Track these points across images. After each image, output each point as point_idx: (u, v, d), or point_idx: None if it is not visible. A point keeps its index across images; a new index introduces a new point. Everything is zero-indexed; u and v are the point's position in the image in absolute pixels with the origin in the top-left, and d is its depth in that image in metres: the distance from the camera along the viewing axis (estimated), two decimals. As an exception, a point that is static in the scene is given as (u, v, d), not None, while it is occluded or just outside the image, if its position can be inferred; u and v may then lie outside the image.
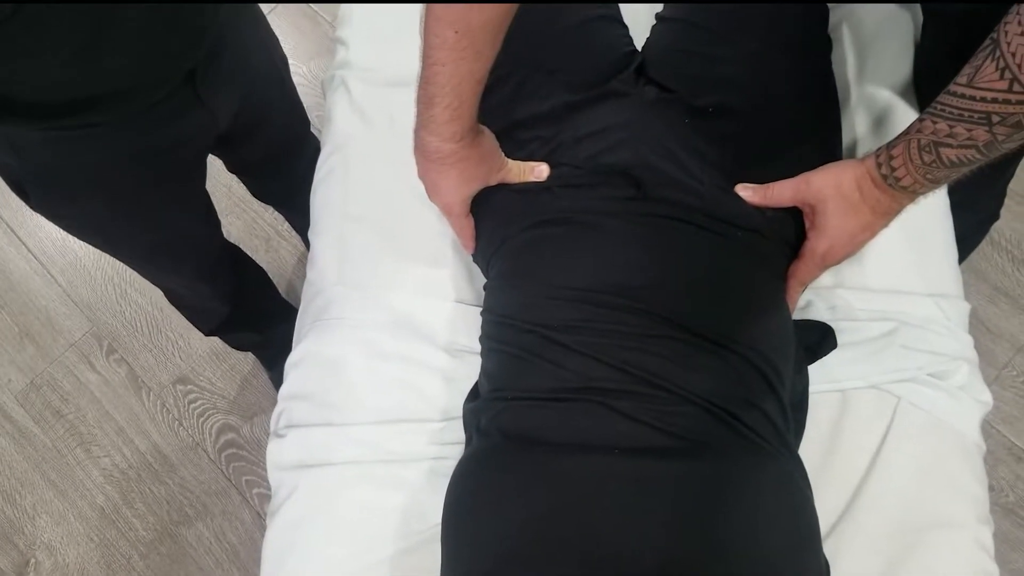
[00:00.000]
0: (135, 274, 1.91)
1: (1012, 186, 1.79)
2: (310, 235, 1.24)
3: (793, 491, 0.89)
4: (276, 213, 1.98)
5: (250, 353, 1.85)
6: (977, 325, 1.73)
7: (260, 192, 1.55)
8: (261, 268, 1.61)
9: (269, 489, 1.13)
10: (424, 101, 0.89)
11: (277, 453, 1.11)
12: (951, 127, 0.81)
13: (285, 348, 1.21)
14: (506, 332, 0.97)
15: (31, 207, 1.07)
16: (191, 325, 1.87)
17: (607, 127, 1.01)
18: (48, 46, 0.81)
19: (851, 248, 0.96)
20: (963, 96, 0.79)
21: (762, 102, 1.00)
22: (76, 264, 2.00)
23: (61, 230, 1.90)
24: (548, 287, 0.96)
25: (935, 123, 0.83)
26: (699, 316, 0.92)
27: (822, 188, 0.93)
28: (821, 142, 1.02)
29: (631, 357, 0.89)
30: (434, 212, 1.17)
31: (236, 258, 1.52)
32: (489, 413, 0.95)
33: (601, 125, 1.01)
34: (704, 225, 0.95)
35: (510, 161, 1.02)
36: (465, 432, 1.02)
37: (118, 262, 1.87)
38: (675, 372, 0.89)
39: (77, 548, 1.75)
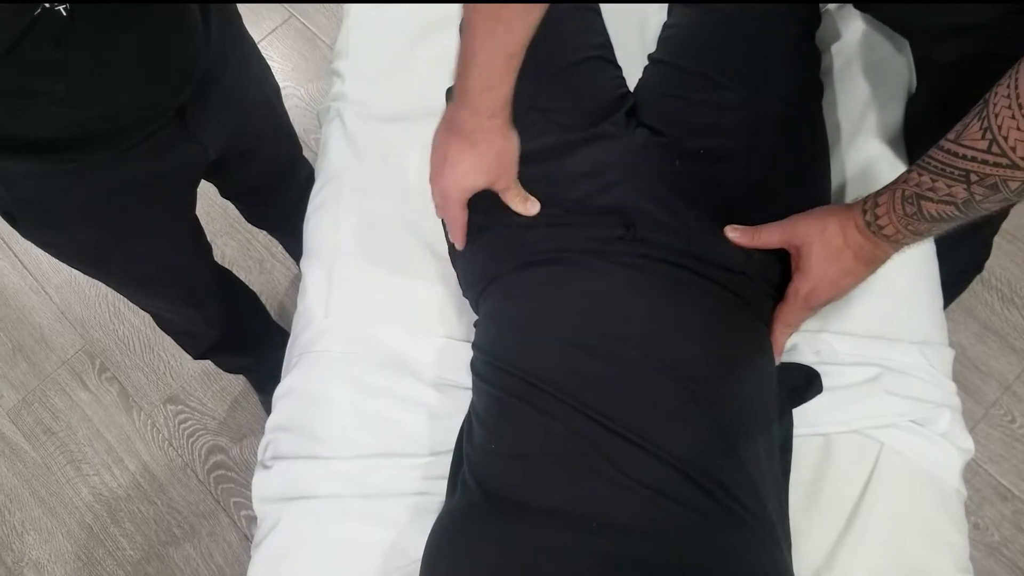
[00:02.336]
0: (129, 293, 1.93)
1: (1004, 226, 1.81)
2: (302, 265, 1.25)
3: (772, 568, 0.89)
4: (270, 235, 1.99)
5: (241, 375, 1.85)
6: (966, 363, 1.74)
7: (253, 217, 1.56)
8: (252, 292, 1.62)
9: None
10: (460, 73, 0.90)
11: (262, 485, 1.12)
12: (933, 181, 0.82)
13: (276, 372, 1.22)
14: (495, 375, 0.97)
15: (21, 234, 1.08)
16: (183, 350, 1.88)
17: (598, 168, 1.02)
18: (42, 86, 0.82)
19: (834, 292, 0.96)
20: (948, 151, 0.80)
21: (752, 147, 1.01)
22: (71, 282, 2.01)
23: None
24: (536, 332, 0.96)
25: (920, 175, 0.83)
26: (685, 362, 0.92)
27: (807, 231, 0.94)
28: (809, 187, 1.03)
29: (620, 414, 0.89)
30: (425, 246, 1.18)
31: (226, 283, 1.53)
32: (474, 464, 0.95)
33: (592, 166, 1.02)
34: (691, 267, 0.95)
35: (515, 180, 1.02)
36: (449, 479, 1.03)
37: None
38: (661, 430, 0.88)
39: (65, 566, 1.75)
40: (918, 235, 0.88)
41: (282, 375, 1.18)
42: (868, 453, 1.04)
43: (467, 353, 1.08)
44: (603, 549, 0.85)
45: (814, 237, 0.94)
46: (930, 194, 0.83)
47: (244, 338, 1.59)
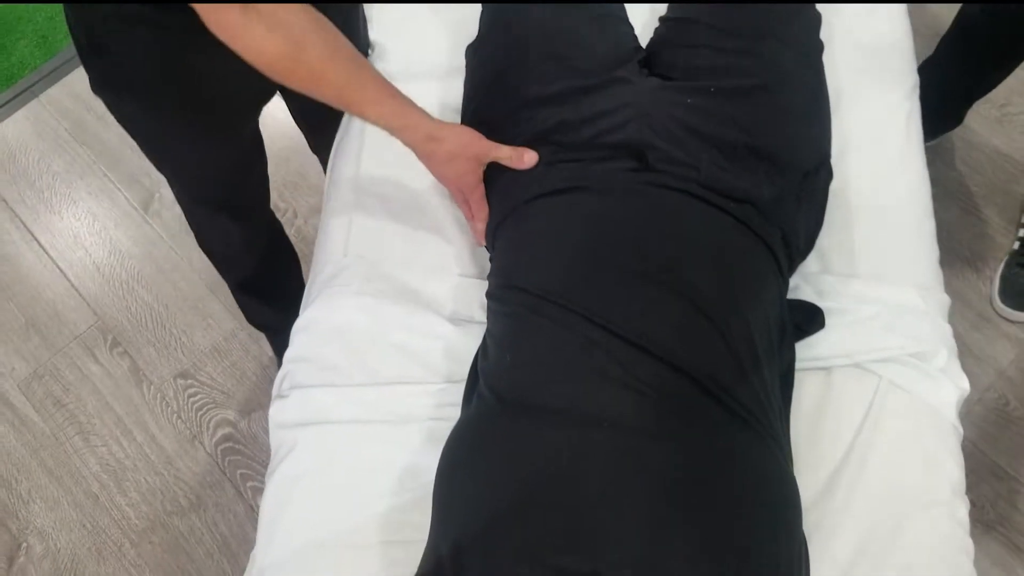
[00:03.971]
0: (142, 271, 1.98)
1: (995, 218, 1.87)
2: (323, 211, 1.30)
3: (775, 469, 0.93)
4: (284, 217, 2.04)
5: (251, 350, 1.89)
6: (962, 349, 1.76)
7: (316, 144, 1.61)
8: (294, 250, 1.68)
9: (263, 483, 1.16)
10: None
11: (279, 412, 1.15)
12: None
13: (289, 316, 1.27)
14: (512, 295, 1.01)
15: (93, 90, 1.18)
16: (195, 323, 1.92)
17: (611, 109, 1.07)
18: None
19: None
20: None
21: (762, 86, 1.06)
22: (85, 260, 2.05)
23: (72, 228, 1.96)
24: (553, 252, 1.01)
25: None
26: (698, 282, 0.96)
27: None
28: (815, 123, 1.07)
29: (633, 323, 0.93)
30: (442, 192, 1.23)
31: (272, 221, 1.60)
32: (489, 377, 0.99)
33: (605, 107, 1.07)
34: (702, 196, 1.00)
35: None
36: (464, 394, 1.07)
37: (126, 260, 1.92)
38: (674, 341, 0.93)
39: (69, 534, 1.76)
40: None
41: (301, 311, 1.22)
42: (867, 386, 1.08)
43: (482, 291, 1.13)
44: (613, 445, 0.88)
45: None
46: None
47: (277, 286, 1.64)
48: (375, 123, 1.07)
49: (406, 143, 1.09)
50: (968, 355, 1.77)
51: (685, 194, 1.00)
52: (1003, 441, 1.70)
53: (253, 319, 1.76)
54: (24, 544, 1.76)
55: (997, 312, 1.79)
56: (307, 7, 0.98)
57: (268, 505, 1.09)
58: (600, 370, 0.92)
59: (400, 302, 1.16)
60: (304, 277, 1.74)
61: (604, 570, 0.82)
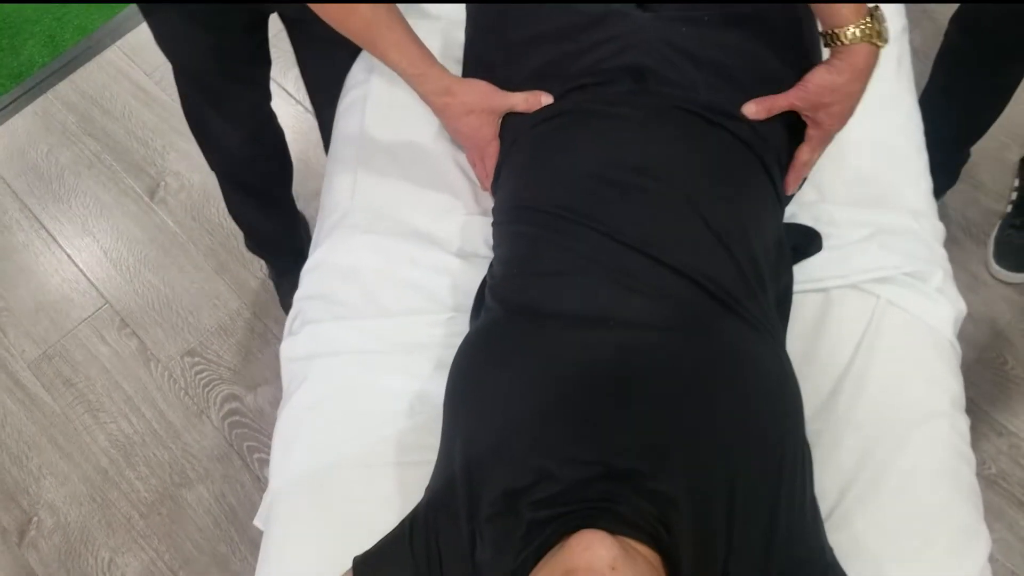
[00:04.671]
0: (149, 255, 2.01)
1: (988, 185, 1.90)
2: (328, 159, 1.33)
3: (778, 365, 0.95)
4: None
5: (256, 328, 1.91)
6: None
7: (312, 84, 1.62)
8: (290, 162, 1.77)
9: (269, 454, 1.18)
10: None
11: (290, 348, 1.17)
12: None
13: (295, 274, 1.29)
14: (518, 214, 1.04)
15: None
16: (201, 304, 1.95)
17: (608, 38, 1.10)
18: None
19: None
20: None
21: (754, 13, 1.09)
22: (93, 246, 2.08)
23: (80, 216, 2.00)
24: (560, 170, 1.03)
25: None
26: (702, 194, 0.99)
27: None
28: (807, 48, 1.11)
29: (640, 233, 0.96)
30: (446, 137, 1.26)
31: (275, 125, 1.67)
32: (497, 290, 1.01)
33: (603, 37, 1.11)
34: (703, 115, 1.03)
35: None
36: (471, 315, 1.09)
37: (133, 245, 1.96)
38: (680, 249, 0.95)
39: (79, 508, 1.77)
40: None
41: (310, 253, 1.25)
42: (866, 306, 1.10)
43: (486, 228, 1.15)
44: (620, 341, 0.91)
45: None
46: None
47: (268, 190, 1.75)
48: (394, 67, 1.10)
49: (421, 94, 1.13)
50: (966, 318, 1.78)
51: (685, 112, 1.03)
52: (1002, 399, 1.72)
53: (253, 240, 1.85)
54: (35, 518, 1.77)
55: (993, 275, 1.82)
56: None
57: (281, 431, 1.11)
58: (608, 277, 0.95)
59: (407, 239, 1.19)
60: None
61: (610, 458, 0.85)
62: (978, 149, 1.93)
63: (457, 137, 1.18)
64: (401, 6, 1.38)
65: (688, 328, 0.92)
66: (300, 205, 2.07)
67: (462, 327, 1.11)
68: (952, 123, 1.34)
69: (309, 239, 1.89)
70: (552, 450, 0.86)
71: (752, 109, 1.04)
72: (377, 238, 1.19)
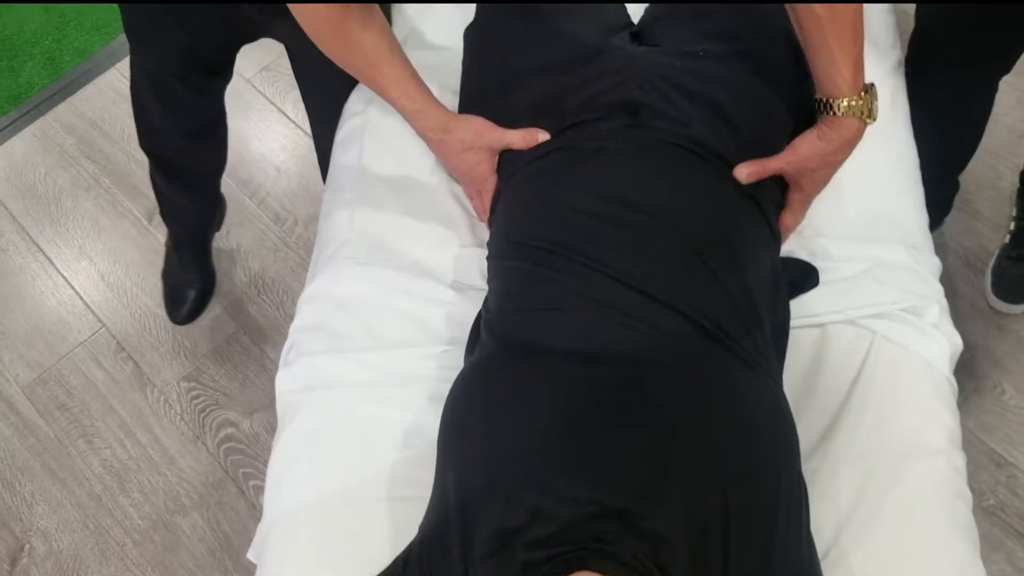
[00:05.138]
0: (146, 279, 2.01)
1: (985, 213, 1.90)
2: (325, 191, 1.33)
3: (772, 401, 0.95)
4: (284, 225, 2.08)
5: (252, 353, 1.91)
6: (956, 340, 1.80)
7: (301, 74, 1.60)
8: (226, 157, 1.76)
9: (264, 481, 1.17)
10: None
11: (286, 379, 1.17)
12: None
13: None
14: (512, 249, 1.04)
15: None
16: (198, 328, 1.95)
17: (603, 73, 1.11)
18: None
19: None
20: None
21: (749, 49, 1.10)
22: (90, 269, 2.07)
23: (77, 239, 2.01)
24: (554, 206, 1.04)
25: None
26: (696, 232, 0.99)
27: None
28: (800, 90, 1.11)
29: (633, 269, 0.96)
30: (443, 171, 1.26)
31: (220, 126, 1.68)
32: (491, 325, 1.01)
33: (599, 72, 1.11)
34: (696, 151, 1.03)
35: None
36: (466, 349, 1.09)
37: (130, 269, 1.96)
38: (674, 286, 0.95)
39: (72, 535, 1.76)
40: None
41: (306, 284, 1.25)
42: (862, 342, 1.10)
43: (482, 260, 1.16)
44: (613, 378, 0.91)
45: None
46: None
47: (192, 166, 1.74)
48: (392, 103, 1.11)
49: (419, 130, 1.14)
50: (964, 346, 1.78)
51: (679, 148, 1.03)
52: (1001, 430, 1.72)
53: (165, 211, 1.85)
54: (27, 545, 1.76)
55: (992, 306, 1.82)
56: None
57: (276, 464, 1.11)
58: (602, 313, 0.94)
59: (403, 271, 1.19)
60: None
61: (604, 497, 0.84)
62: (974, 178, 1.93)
63: (454, 173, 1.18)
64: (403, 37, 1.40)
65: (682, 365, 0.91)
66: (299, 230, 2.08)
67: (457, 360, 1.11)
68: (932, 155, 1.36)
69: (223, 219, 2.03)
70: (546, 488, 0.86)
71: (744, 172, 1.04)
72: (374, 269, 1.19)
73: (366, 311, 1.17)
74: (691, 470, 0.85)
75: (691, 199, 1.02)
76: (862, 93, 0.99)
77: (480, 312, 1.10)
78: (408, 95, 1.09)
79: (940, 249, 1.87)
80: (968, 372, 1.76)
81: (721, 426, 0.87)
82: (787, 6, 0.99)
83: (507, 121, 1.13)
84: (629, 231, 0.98)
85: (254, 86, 2.32)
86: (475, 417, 0.94)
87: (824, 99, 1.00)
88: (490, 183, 1.14)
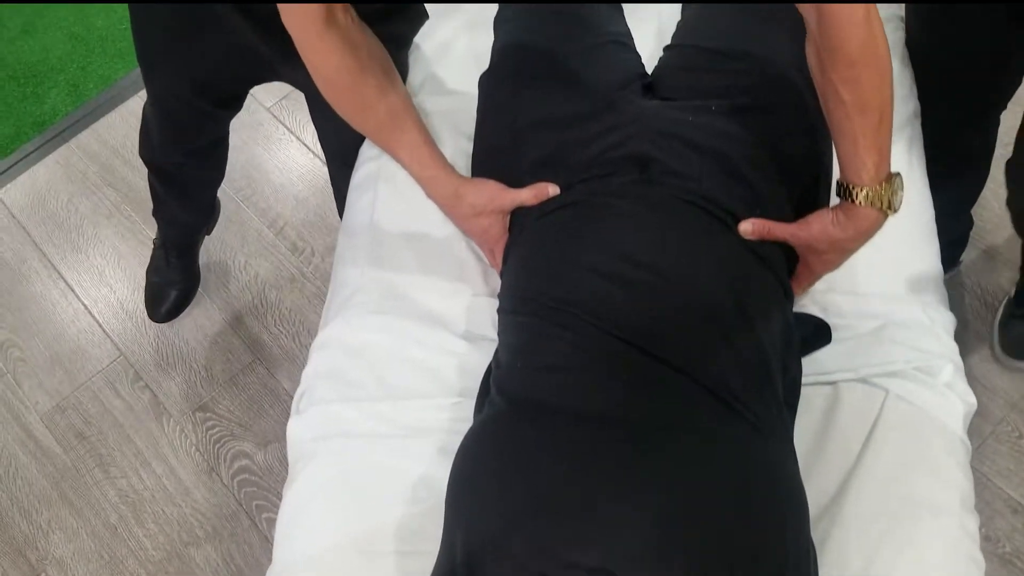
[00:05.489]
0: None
1: (1003, 253, 1.89)
2: (339, 235, 1.34)
3: (783, 468, 0.95)
4: (302, 256, 2.09)
5: (268, 384, 1.93)
6: (973, 382, 1.76)
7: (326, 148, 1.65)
8: (223, 173, 1.80)
9: (277, 513, 1.18)
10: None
11: (297, 427, 1.18)
12: None
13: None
14: (522, 305, 1.05)
15: None
16: (215, 358, 1.96)
17: (614, 126, 1.11)
18: None
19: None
20: None
21: (763, 105, 1.10)
22: (110, 296, 2.10)
23: (98, 266, 2.03)
24: (563, 263, 1.04)
25: None
26: (707, 292, 0.99)
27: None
28: (815, 138, 1.11)
29: (642, 330, 0.96)
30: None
31: (221, 147, 1.71)
32: (501, 382, 1.02)
33: (608, 126, 1.11)
34: (706, 208, 1.03)
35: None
36: (476, 404, 1.09)
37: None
38: (684, 348, 0.95)
39: (87, 565, 1.78)
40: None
41: (320, 329, 1.25)
42: (874, 400, 1.10)
43: (494, 310, 1.16)
44: (622, 441, 0.90)
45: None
46: None
47: (191, 184, 1.79)
48: (405, 167, 1.13)
49: (430, 195, 1.16)
50: (980, 388, 1.77)
51: (689, 205, 1.03)
52: (1018, 475, 1.70)
53: (156, 206, 1.88)
54: (43, 574, 1.78)
55: (1000, 362, 1.80)
56: (380, 44, 1.05)
57: (285, 513, 1.11)
58: (610, 374, 0.94)
59: (415, 320, 1.19)
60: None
61: (613, 565, 0.84)
62: (991, 216, 1.92)
63: (467, 235, 1.19)
64: (420, 82, 1.41)
65: (693, 433, 0.91)
66: (316, 260, 2.09)
67: (467, 412, 1.12)
68: (941, 188, 1.35)
69: (215, 223, 2.05)
70: (553, 554, 0.85)
71: (748, 229, 1.04)
72: (386, 318, 1.20)
73: (378, 360, 1.18)
74: (699, 544, 0.84)
75: (702, 259, 1.02)
76: (883, 182, 0.96)
77: (490, 365, 1.10)
78: (420, 161, 1.10)
79: (957, 288, 1.88)
80: (985, 416, 1.75)
81: (730, 499, 0.87)
82: (816, 85, 0.98)
83: (518, 174, 1.13)
84: (639, 291, 0.98)
85: (274, 115, 2.34)
86: (483, 477, 0.94)
87: (844, 184, 0.97)
88: (502, 243, 1.14)
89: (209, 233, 2.05)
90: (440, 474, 1.06)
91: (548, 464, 0.90)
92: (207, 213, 1.97)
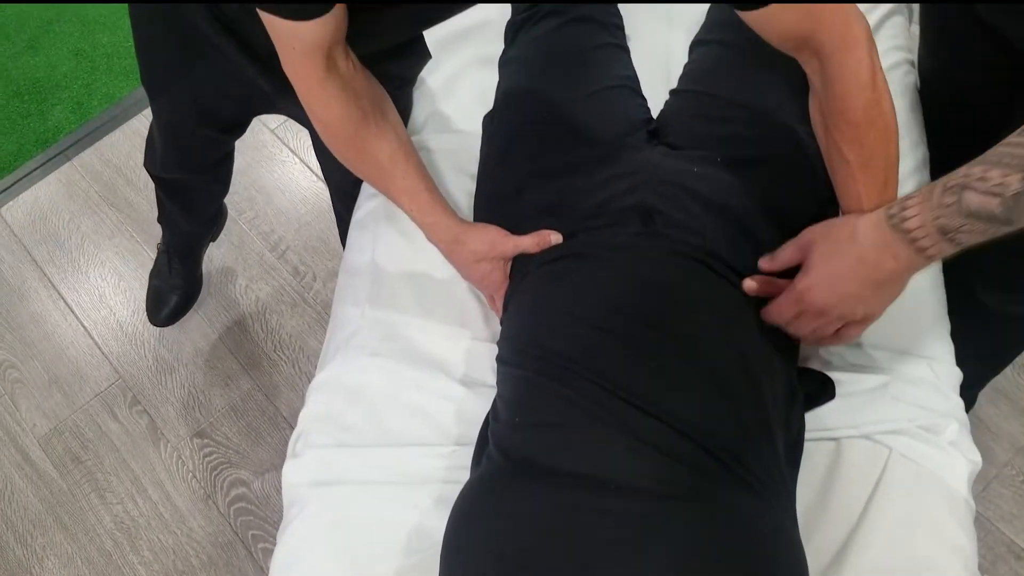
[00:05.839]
0: (164, 331, 2.01)
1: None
2: (340, 274, 1.33)
3: (784, 535, 0.93)
4: (303, 280, 2.08)
5: (267, 411, 1.91)
6: (978, 424, 1.77)
7: (329, 181, 1.64)
8: (227, 187, 1.79)
9: (274, 544, 1.17)
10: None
11: (293, 472, 1.16)
12: (985, 171, 0.78)
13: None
14: (521, 358, 1.03)
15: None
16: (213, 383, 1.95)
17: (618, 175, 1.10)
18: None
19: (831, 294, 0.97)
20: (1012, 144, 0.77)
21: (769, 157, 1.08)
22: (110, 318, 2.09)
23: (98, 287, 2.02)
24: (562, 316, 1.02)
25: (971, 167, 0.80)
26: (708, 350, 0.98)
27: (815, 232, 0.99)
28: (816, 198, 1.09)
29: (640, 389, 0.94)
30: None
31: (226, 164, 1.70)
32: (499, 438, 1.00)
33: (613, 175, 1.10)
34: (707, 263, 1.02)
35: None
36: (473, 457, 1.08)
37: (149, 323, 1.96)
38: (684, 410, 0.93)
39: (81, 592, 1.77)
40: (942, 236, 0.84)
41: (317, 371, 1.24)
42: (877, 458, 1.08)
43: (493, 354, 1.14)
44: (621, 508, 0.89)
45: (819, 235, 0.98)
46: (978, 183, 0.79)
47: (196, 193, 1.78)
48: (405, 212, 1.12)
49: (431, 240, 1.14)
50: (984, 431, 1.76)
51: (691, 260, 1.02)
52: (1021, 519, 1.68)
53: (162, 211, 1.86)
54: (36, 601, 1.77)
55: None
56: (381, 88, 1.03)
57: (279, 560, 1.10)
58: (609, 435, 0.93)
59: (414, 363, 1.18)
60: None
61: None
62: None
63: (468, 280, 1.18)
64: (424, 119, 1.39)
65: (687, 497, 0.90)
66: (317, 286, 2.08)
67: (464, 460, 1.10)
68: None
69: (221, 230, 2.05)
70: None
71: (752, 286, 1.02)
72: (385, 361, 1.19)
73: (375, 404, 1.16)
74: None
75: (705, 316, 1.00)
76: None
77: (488, 416, 1.09)
78: (421, 207, 1.09)
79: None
80: (989, 459, 1.73)
81: (725, 568, 0.85)
82: (819, 142, 0.96)
83: (520, 221, 1.12)
84: (636, 346, 0.97)
85: (278, 137, 2.33)
86: (477, 541, 0.93)
87: None
88: (503, 289, 1.13)
89: (214, 240, 2.05)
90: (436, 524, 1.04)
91: (544, 530, 0.89)
92: (211, 222, 1.97)
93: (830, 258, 0.96)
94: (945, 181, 0.83)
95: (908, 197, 0.88)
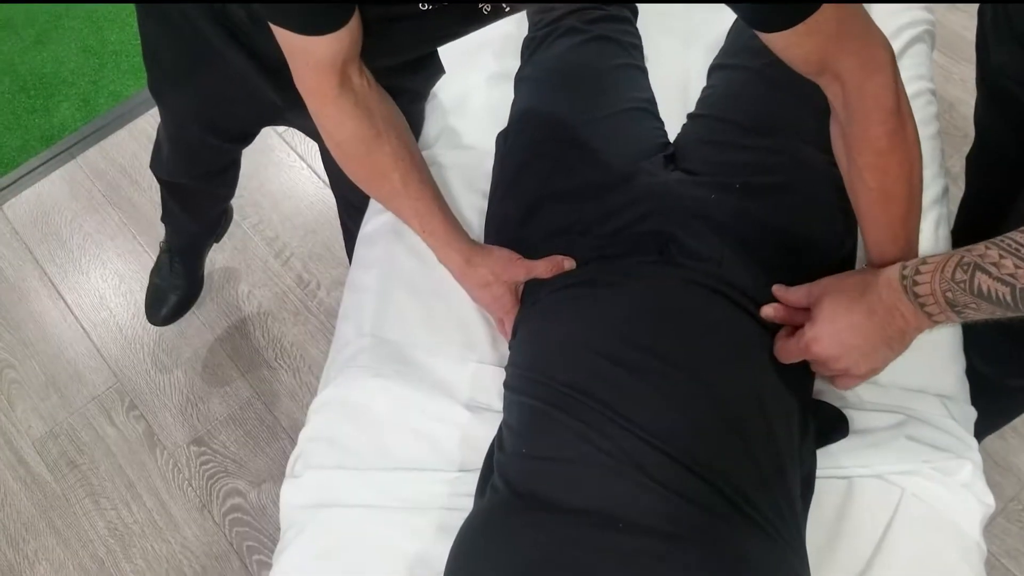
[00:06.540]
0: (164, 335, 1.99)
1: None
2: (346, 289, 1.30)
3: (789, 572, 0.91)
4: (307, 288, 2.06)
5: (265, 420, 1.89)
6: (985, 458, 1.74)
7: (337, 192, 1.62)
8: (233, 191, 1.78)
9: (270, 557, 1.15)
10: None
11: (292, 493, 1.14)
12: (1001, 257, 0.79)
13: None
14: (529, 386, 1.01)
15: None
16: (212, 390, 1.93)
17: (634, 201, 1.08)
18: None
19: (837, 345, 0.95)
20: None
21: (786, 183, 1.06)
22: (109, 321, 2.07)
23: (99, 288, 2.00)
24: (574, 346, 1.00)
25: (988, 249, 0.81)
26: (721, 384, 0.95)
27: (827, 283, 0.98)
28: (839, 219, 1.07)
29: (650, 423, 0.92)
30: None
31: (232, 171, 1.70)
32: (504, 468, 0.98)
33: (628, 200, 1.08)
34: (723, 292, 1.00)
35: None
36: (478, 485, 1.05)
37: (149, 324, 1.94)
38: (694, 445, 0.91)
39: (72, 599, 1.75)
40: (950, 308, 0.85)
41: (319, 389, 1.22)
42: (889, 498, 1.06)
43: (499, 378, 1.12)
44: (628, 548, 0.87)
45: (831, 287, 0.97)
46: (991, 268, 0.80)
47: (205, 206, 1.81)
48: (416, 232, 1.10)
49: (442, 262, 1.12)
50: (991, 464, 1.74)
51: (707, 289, 1.00)
52: (1027, 555, 1.66)
53: (166, 210, 1.84)
54: (26, 607, 1.75)
55: None
56: (395, 106, 1.02)
57: (276, 583, 1.08)
58: (617, 469, 0.91)
59: (418, 386, 1.16)
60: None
61: None
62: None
63: (477, 303, 1.15)
64: (436, 134, 1.37)
65: (696, 539, 0.87)
66: (321, 294, 2.06)
67: (467, 487, 1.08)
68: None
69: (225, 231, 2.03)
70: None
71: (770, 313, 1.00)
72: (388, 382, 1.16)
73: (378, 426, 1.14)
74: None
75: (719, 349, 0.98)
76: None
77: (493, 443, 1.06)
78: (432, 229, 1.07)
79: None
80: (995, 493, 1.69)
81: None
82: (841, 169, 0.94)
83: (531, 246, 1.10)
84: (647, 378, 0.95)
85: (286, 141, 2.31)
86: (479, 571, 0.91)
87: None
88: (513, 313, 1.11)
89: (218, 241, 2.03)
90: (437, 552, 1.02)
91: (547, 563, 0.87)
92: (216, 224, 1.95)
93: (838, 310, 0.94)
94: (961, 256, 0.83)
95: (924, 261, 0.88)
